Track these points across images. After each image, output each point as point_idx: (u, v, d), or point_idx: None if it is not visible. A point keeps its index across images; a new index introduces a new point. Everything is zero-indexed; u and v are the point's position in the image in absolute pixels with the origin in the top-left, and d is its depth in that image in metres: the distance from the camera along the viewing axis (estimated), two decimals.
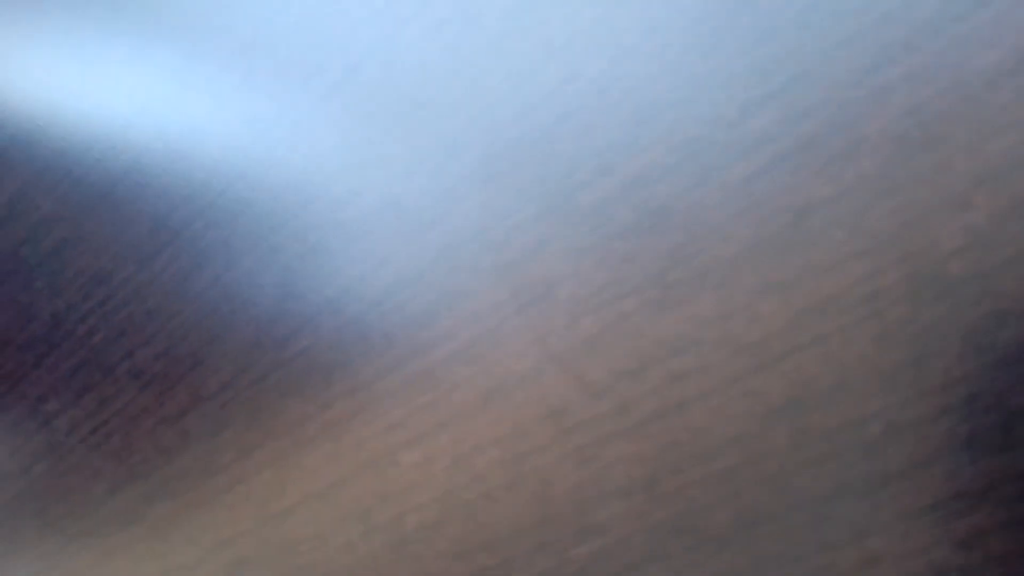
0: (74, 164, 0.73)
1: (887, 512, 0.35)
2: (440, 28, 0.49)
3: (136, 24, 0.62)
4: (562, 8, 0.44)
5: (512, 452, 0.46)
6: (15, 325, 0.77)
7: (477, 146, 0.48)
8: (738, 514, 0.39)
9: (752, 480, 0.38)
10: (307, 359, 0.55)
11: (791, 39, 0.38)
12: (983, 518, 0.33)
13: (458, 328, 0.48)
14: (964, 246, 0.34)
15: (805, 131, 0.38)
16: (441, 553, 0.48)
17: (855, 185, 0.36)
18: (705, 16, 0.40)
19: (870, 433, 0.36)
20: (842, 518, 0.36)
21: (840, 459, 0.36)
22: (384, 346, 0.51)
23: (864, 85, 0.36)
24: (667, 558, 0.41)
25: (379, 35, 0.51)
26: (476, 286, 0.47)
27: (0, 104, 0.80)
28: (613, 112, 0.43)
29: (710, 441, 0.39)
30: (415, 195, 0.50)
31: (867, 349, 0.36)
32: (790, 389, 0.37)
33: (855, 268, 0.36)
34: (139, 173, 0.68)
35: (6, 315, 0.79)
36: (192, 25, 0.59)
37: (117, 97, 0.70)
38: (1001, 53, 0.34)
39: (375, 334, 0.52)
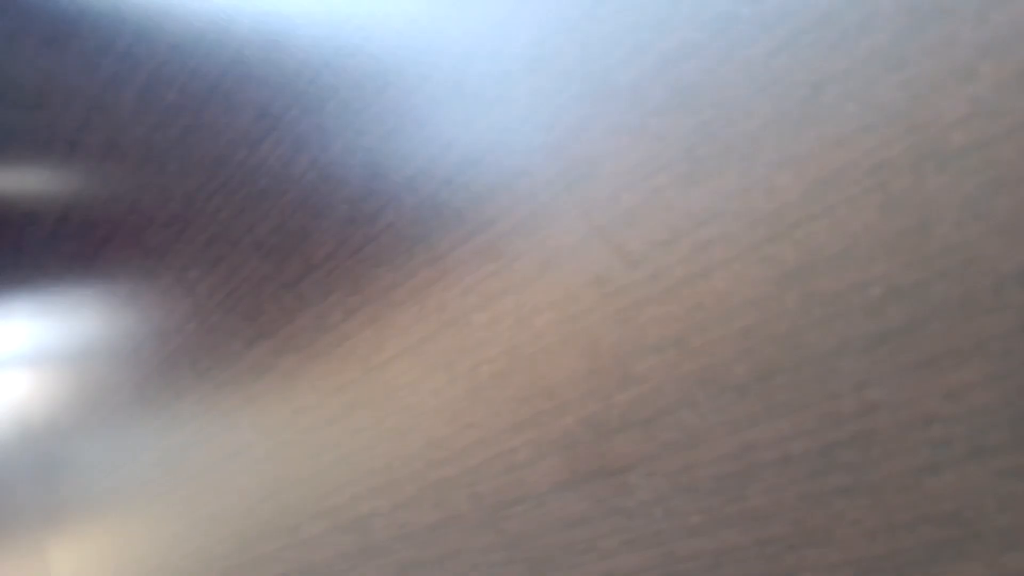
0: (189, 57, 0.80)
1: (885, 367, 0.39)
2: None
3: None
4: None
5: (564, 314, 0.51)
6: (156, 205, 0.88)
7: (525, 29, 0.50)
8: (754, 367, 0.43)
9: (766, 338, 0.42)
10: (393, 233, 0.62)
11: None
12: (970, 373, 0.36)
13: (516, 204, 0.53)
14: (967, 116, 0.35)
15: (822, 5, 0.38)
16: (510, 398, 0.55)
17: (867, 59, 0.37)
18: None
19: (872, 295, 0.38)
20: (845, 371, 0.40)
21: (844, 319, 0.39)
22: (455, 221, 0.57)
23: None
24: (695, 404, 0.46)
25: None
26: (529, 165, 0.52)
27: (125, 4, 0.87)
28: None
29: (731, 303, 0.43)
30: (475, 79, 0.54)
31: (872, 218, 0.38)
32: (801, 256, 0.40)
33: (864, 141, 0.38)
34: (242, 65, 0.74)
35: (149, 196, 0.90)
36: None
37: None
38: None
39: (447, 210, 0.57)
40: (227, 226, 0.79)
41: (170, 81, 0.83)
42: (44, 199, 1.17)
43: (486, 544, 0.61)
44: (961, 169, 0.35)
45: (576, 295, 0.50)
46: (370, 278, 0.65)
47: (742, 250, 0.42)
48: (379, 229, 0.63)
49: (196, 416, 0.90)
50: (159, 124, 0.86)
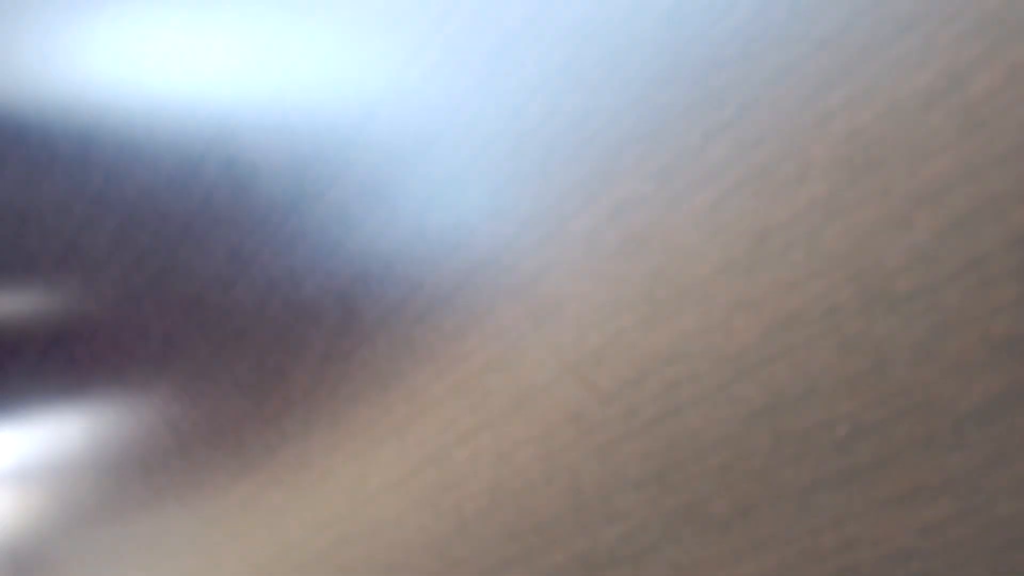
0: (159, 201, 0.82)
1: (859, 503, 0.39)
2: (436, 70, 0.52)
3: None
4: (536, 48, 0.47)
5: (544, 450, 0.51)
6: (137, 342, 0.89)
7: (485, 182, 0.52)
8: (734, 503, 0.43)
9: (743, 474, 0.43)
10: (368, 370, 0.62)
11: (738, 68, 0.40)
12: (942, 509, 0.37)
13: (487, 342, 0.54)
14: (909, 263, 0.36)
15: (759, 157, 0.40)
16: (497, 534, 0.55)
17: (807, 208, 0.39)
18: (659, 49, 0.42)
19: (839, 434, 0.39)
20: (821, 507, 0.40)
21: (815, 456, 0.40)
22: (429, 358, 0.58)
23: (808, 110, 0.38)
24: (680, 540, 0.46)
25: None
26: (496, 305, 0.53)
27: (99, 147, 0.89)
28: (592, 144, 0.46)
29: (704, 441, 0.44)
30: (438, 226, 0.55)
31: (830, 359, 0.39)
32: (767, 396, 0.41)
33: (813, 286, 0.39)
34: (211, 208, 0.75)
35: (128, 334, 0.90)
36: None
37: (183, 139, 0.77)
38: (931, 75, 0.35)
39: (420, 347, 0.58)
40: (206, 364, 0.79)
41: (143, 224, 0.84)
42: (27, 332, 1.17)
43: None
44: (909, 313, 0.36)
45: (554, 431, 0.51)
46: (349, 415, 0.65)
47: (709, 390, 0.43)
48: (355, 366, 0.64)
49: (184, 551, 0.89)
50: (135, 265, 0.87)
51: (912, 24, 0.35)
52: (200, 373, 0.80)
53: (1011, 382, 0.34)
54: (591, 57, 0.45)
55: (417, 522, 0.61)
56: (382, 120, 0.58)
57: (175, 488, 0.88)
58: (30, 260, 1.10)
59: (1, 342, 1.26)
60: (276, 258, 0.69)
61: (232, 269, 0.74)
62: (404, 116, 0.56)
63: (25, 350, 1.19)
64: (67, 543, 1.21)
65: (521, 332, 0.52)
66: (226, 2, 0.64)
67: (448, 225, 0.55)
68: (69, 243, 1.00)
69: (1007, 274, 0.34)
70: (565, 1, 0.46)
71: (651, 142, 0.44)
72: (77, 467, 1.11)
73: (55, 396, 1.13)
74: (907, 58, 0.35)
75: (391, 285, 0.59)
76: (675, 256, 0.44)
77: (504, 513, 0.55)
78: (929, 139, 0.35)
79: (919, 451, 0.37)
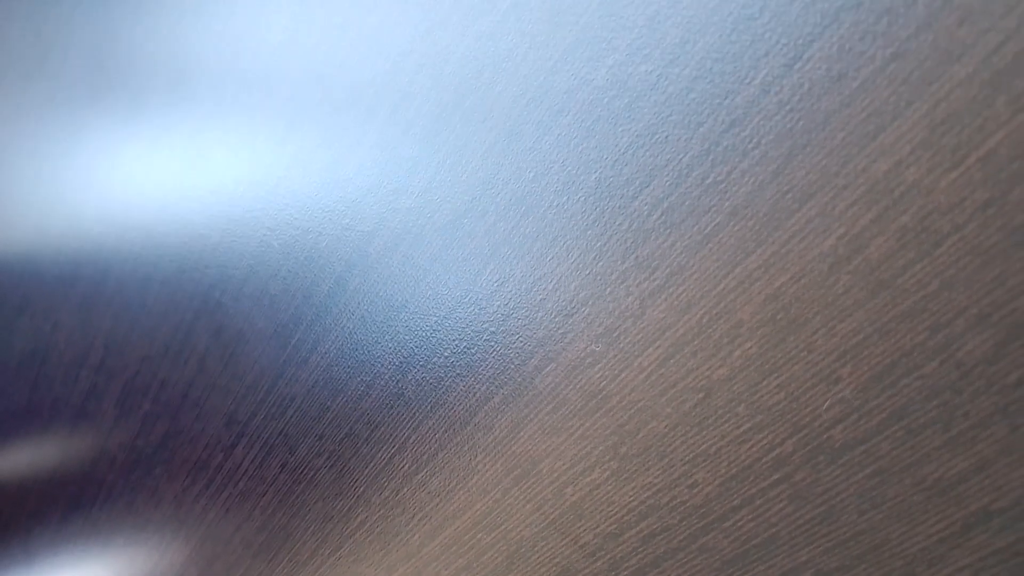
0: (157, 368, 0.85)
1: None
2: (398, 242, 0.56)
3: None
4: (482, 221, 0.50)
5: None
6: (150, 504, 0.91)
7: (455, 339, 0.54)
8: None
9: None
10: (367, 529, 0.64)
11: (662, 237, 0.42)
12: None
13: (473, 500, 0.55)
14: (840, 416, 0.38)
15: (693, 319, 0.42)
16: None
17: (743, 365, 0.41)
18: (590, 221, 0.45)
19: None
20: None
21: None
22: (419, 517, 0.59)
23: (730, 275, 0.41)
24: None
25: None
26: (476, 463, 0.54)
27: (97, 317, 0.92)
28: (542, 308, 0.49)
29: None
30: (413, 386, 0.58)
31: (786, 508, 0.40)
32: (735, 545, 0.42)
33: (759, 439, 0.41)
34: (206, 374, 0.78)
35: (141, 497, 0.92)
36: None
37: (173, 308, 0.81)
38: (833, 241, 0.37)
39: (411, 506, 0.60)
40: (216, 526, 0.81)
41: (144, 391, 0.87)
42: (48, 496, 1.20)
43: None
44: (849, 463, 0.38)
45: None
46: (356, 575, 0.66)
47: (682, 541, 0.45)
48: (354, 526, 0.65)
49: None
50: (140, 430, 0.89)
51: (810, 194, 0.38)
52: (212, 534, 0.82)
53: (949, 524, 0.35)
54: (530, 229, 0.48)
55: None
56: (352, 288, 0.61)
57: None
58: (44, 426, 1.13)
59: (24, 505, 1.28)
60: (269, 422, 0.71)
61: (230, 433, 0.76)
62: (371, 284, 0.59)
63: (47, 513, 1.21)
64: None
65: (504, 489, 0.53)
66: (204, 177, 0.68)
67: (423, 385, 0.57)
68: (79, 410, 1.03)
69: (929, 423, 0.35)
70: (503, 179, 0.49)
71: (595, 306, 0.46)
72: None
73: (79, 557, 1.15)
74: (809, 226, 0.38)
75: (376, 445, 0.61)
76: (633, 412, 0.46)
77: None
78: (841, 299, 0.37)
79: None
